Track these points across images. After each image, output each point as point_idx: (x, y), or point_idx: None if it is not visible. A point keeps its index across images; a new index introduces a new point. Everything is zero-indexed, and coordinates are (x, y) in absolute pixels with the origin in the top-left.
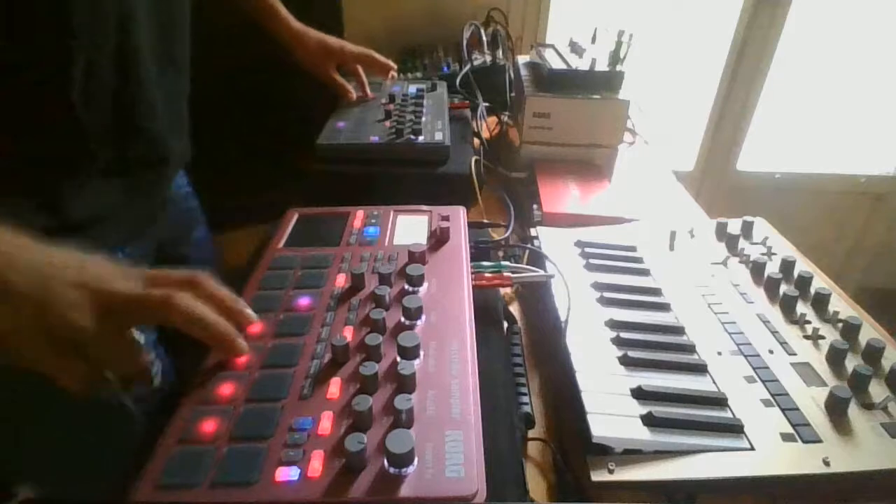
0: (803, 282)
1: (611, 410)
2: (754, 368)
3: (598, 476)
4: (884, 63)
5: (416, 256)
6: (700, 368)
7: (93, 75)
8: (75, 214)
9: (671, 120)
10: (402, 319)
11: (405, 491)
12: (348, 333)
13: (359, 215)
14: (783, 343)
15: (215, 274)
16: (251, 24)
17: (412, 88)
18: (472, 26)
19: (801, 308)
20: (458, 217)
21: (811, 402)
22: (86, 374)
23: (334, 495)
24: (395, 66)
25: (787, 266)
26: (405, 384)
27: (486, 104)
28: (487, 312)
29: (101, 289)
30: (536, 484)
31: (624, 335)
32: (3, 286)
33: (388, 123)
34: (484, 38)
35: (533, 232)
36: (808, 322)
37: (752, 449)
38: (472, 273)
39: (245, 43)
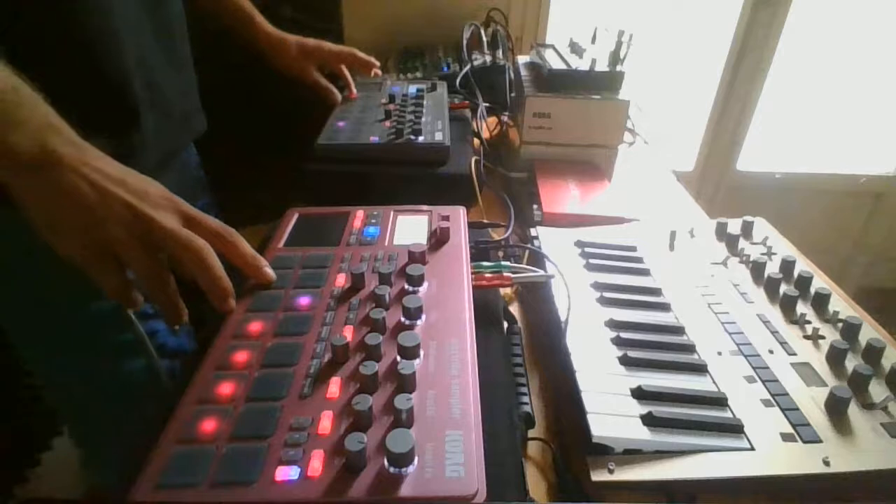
0: (803, 282)
1: (611, 410)
2: (754, 368)
3: (598, 476)
4: (884, 63)
5: (416, 256)
6: (700, 368)
7: None
8: None
9: (671, 120)
10: (402, 319)
11: (405, 491)
12: (348, 333)
13: (359, 215)
14: (783, 343)
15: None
16: (229, 33)
17: (412, 88)
18: (472, 26)
19: (801, 308)
20: (458, 217)
21: (811, 402)
22: (121, 283)
23: (334, 495)
24: (378, 64)
25: (787, 266)
26: (405, 384)
27: (486, 104)
28: (487, 312)
29: (145, 213)
30: (536, 484)
31: (624, 335)
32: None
33: (388, 123)
34: (484, 38)
35: (533, 232)
36: (808, 322)
37: (752, 449)
38: (472, 273)
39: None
